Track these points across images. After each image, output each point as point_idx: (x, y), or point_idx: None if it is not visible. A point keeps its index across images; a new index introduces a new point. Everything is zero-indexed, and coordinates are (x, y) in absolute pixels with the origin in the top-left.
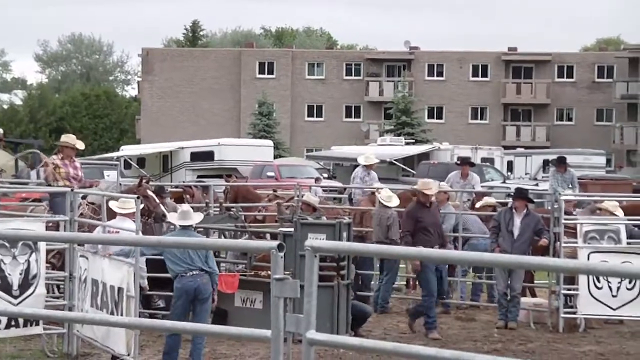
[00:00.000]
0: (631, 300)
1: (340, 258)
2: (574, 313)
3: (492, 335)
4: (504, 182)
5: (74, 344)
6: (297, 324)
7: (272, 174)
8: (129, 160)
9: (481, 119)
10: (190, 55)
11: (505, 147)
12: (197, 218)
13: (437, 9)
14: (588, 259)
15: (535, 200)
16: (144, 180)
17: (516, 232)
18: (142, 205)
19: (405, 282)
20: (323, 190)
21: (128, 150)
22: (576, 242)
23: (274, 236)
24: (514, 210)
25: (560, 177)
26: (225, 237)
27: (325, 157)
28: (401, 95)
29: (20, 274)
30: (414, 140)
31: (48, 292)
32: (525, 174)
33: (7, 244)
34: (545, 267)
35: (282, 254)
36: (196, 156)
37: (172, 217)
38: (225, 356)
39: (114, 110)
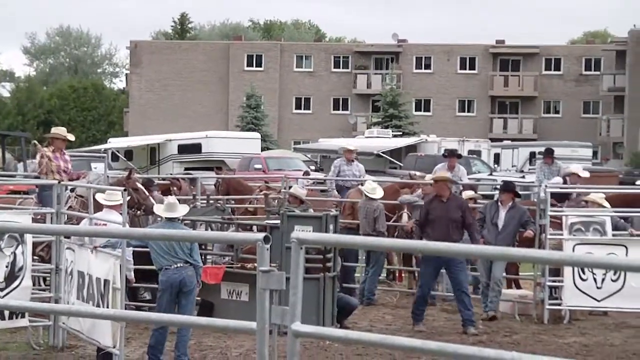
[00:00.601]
0: (616, 292)
1: (326, 250)
2: (559, 305)
3: (477, 327)
4: (490, 174)
5: (59, 336)
6: (282, 316)
7: (259, 166)
8: (117, 153)
9: (468, 111)
10: (179, 48)
11: (493, 140)
12: (182, 210)
13: (425, 2)
14: (573, 250)
15: (521, 192)
16: (132, 173)
17: (500, 225)
18: (129, 198)
19: (386, 275)
20: (312, 183)
21: (116, 142)
22: (562, 234)
23: (260, 228)
24: (499, 204)
25: (547, 169)
26: (212, 230)
27: (312, 149)
28: (389, 87)
29: (7, 266)
30: (401, 133)
31: (34, 285)
32: (512, 166)
33: None
34: (530, 259)
35: (268, 246)
36: (184, 149)
37: (158, 209)
38: (211, 348)
39: (102, 102)
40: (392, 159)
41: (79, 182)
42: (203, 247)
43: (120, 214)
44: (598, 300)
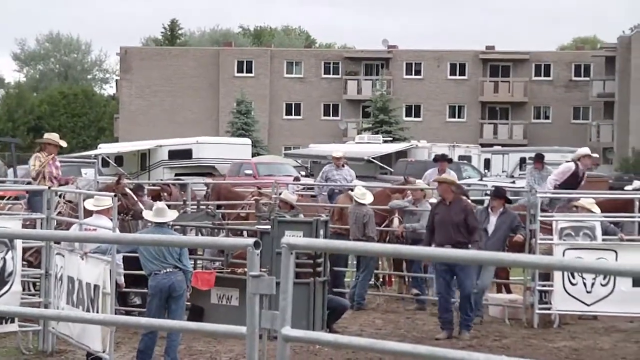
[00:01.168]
0: (605, 296)
1: (316, 255)
2: (549, 309)
3: (469, 334)
4: (481, 179)
5: (49, 341)
6: (272, 320)
7: (250, 171)
8: (107, 159)
9: (459, 117)
10: (169, 54)
11: (483, 145)
12: (171, 215)
13: (415, 8)
14: (563, 255)
15: (511, 197)
16: (121, 179)
17: (490, 230)
18: (119, 203)
19: (375, 279)
20: (303, 188)
21: (106, 148)
22: (552, 239)
23: (251, 234)
24: (489, 210)
25: (538, 175)
26: (202, 235)
27: (303, 155)
28: (379, 93)
29: None
30: (391, 138)
31: (24, 290)
32: (503, 171)
33: None
34: (520, 263)
35: (258, 251)
36: (174, 154)
37: (147, 214)
38: (201, 353)
39: (92, 108)
40: (382, 165)
41: (67, 188)
42: (193, 252)
43: (110, 219)
44: (588, 305)
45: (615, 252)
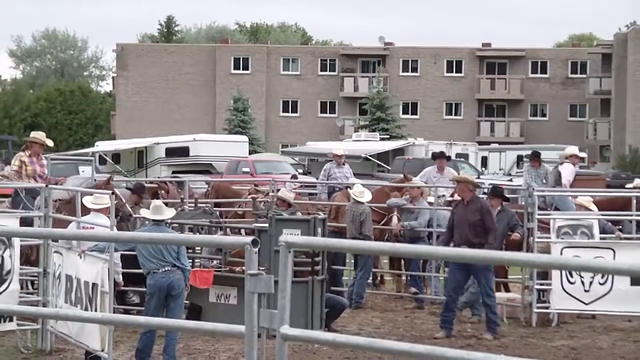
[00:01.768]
0: (603, 295)
1: (314, 254)
2: (547, 308)
3: (465, 330)
4: (478, 177)
5: (47, 340)
6: (270, 319)
7: (247, 169)
8: (104, 156)
9: (455, 114)
10: (165, 51)
11: (480, 143)
12: (169, 213)
13: (412, 5)
14: (561, 254)
15: (509, 195)
16: (111, 179)
17: None
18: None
19: (372, 278)
20: (300, 186)
21: (103, 146)
22: (549, 237)
23: (249, 232)
24: None
25: (535, 173)
26: (200, 233)
27: (300, 152)
28: (376, 90)
29: None
30: (388, 136)
31: (22, 288)
32: (500, 169)
33: None
34: (518, 262)
35: (256, 249)
36: (171, 152)
37: (144, 212)
38: (200, 351)
39: (89, 106)
40: (379, 162)
41: (65, 187)
42: (191, 250)
43: (108, 217)
44: (586, 304)
45: (613, 250)
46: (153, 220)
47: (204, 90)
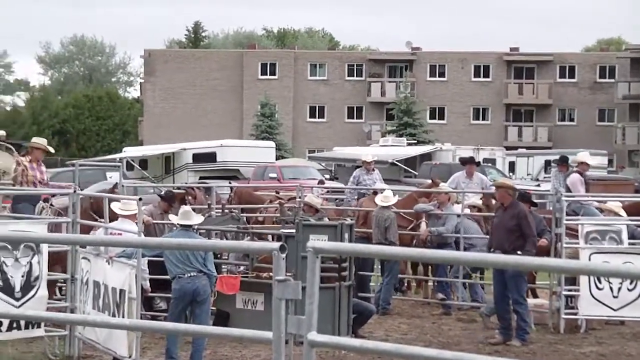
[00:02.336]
0: (632, 301)
1: (341, 259)
2: (575, 314)
3: (493, 336)
4: None
5: (75, 346)
6: (298, 325)
7: (274, 175)
8: (132, 162)
9: (483, 119)
10: (193, 56)
11: (507, 148)
12: (197, 219)
13: (439, 10)
14: (589, 259)
15: (537, 201)
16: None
17: None
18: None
19: (399, 284)
20: (327, 192)
21: (131, 151)
22: (577, 243)
23: (275, 237)
24: None
25: (562, 178)
26: (227, 239)
27: (327, 158)
28: (403, 96)
29: (22, 276)
30: (416, 141)
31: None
32: (527, 174)
33: (9, 246)
34: (546, 267)
35: (284, 255)
36: (198, 157)
37: (173, 218)
38: (227, 358)
39: (117, 111)
40: (406, 168)
41: (92, 192)
42: (218, 256)
43: (136, 223)
44: (614, 310)
45: None
46: (181, 225)
47: (231, 96)
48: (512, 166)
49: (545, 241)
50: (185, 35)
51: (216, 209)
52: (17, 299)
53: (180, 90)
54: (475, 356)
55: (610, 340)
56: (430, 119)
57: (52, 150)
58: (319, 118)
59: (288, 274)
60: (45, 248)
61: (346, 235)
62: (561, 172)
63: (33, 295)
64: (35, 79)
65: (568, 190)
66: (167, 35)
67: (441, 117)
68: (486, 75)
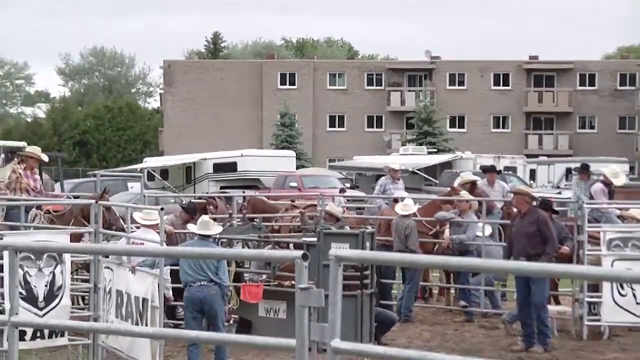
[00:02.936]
0: None
1: (363, 267)
2: (598, 321)
3: (515, 343)
4: None
5: (99, 355)
6: (321, 333)
7: (294, 184)
8: (152, 172)
9: (503, 127)
10: (212, 67)
11: (528, 156)
12: (216, 229)
13: (458, 19)
14: (612, 266)
15: (558, 208)
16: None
17: None
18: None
19: (422, 292)
20: (347, 200)
21: (151, 162)
22: (600, 250)
23: (297, 246)
24: None
25: (584, 185)
26: (248, 248)
27: (347, 167)
28: (423, 104)
29: (46, 285)
30: (436, 150)
31: (73, 304)
32: (548, 182)
33: (32, 256)
34: (569, 274)
35: (306, 263)
36: (219, 167)
37: (192, 227)
38: None
39: (137, 122)
40: (427, 176)
41: (113, 202)
42: (240, 264)
43: (158, 232)
44: (637, 316)
45: None
46: (200, 235)
47: (250, 106)
48: (532, 174)
49: (567, 248)
50: (205, 45)
51: (237, 218)
52: (41, 309)
53: (200, 100)
54: None
55: (634, 346)
56: (450, 127)
57: (46, 159)
58: (338, 127)
59: (310, 282)
60: (68, 258)
61: (367, 244)
62: (582, 180)
63: (56, 305)
64: (56, 91)
65: (591, 198)
66: (187, 46)
67: (461, 126)
68: (506, 83)
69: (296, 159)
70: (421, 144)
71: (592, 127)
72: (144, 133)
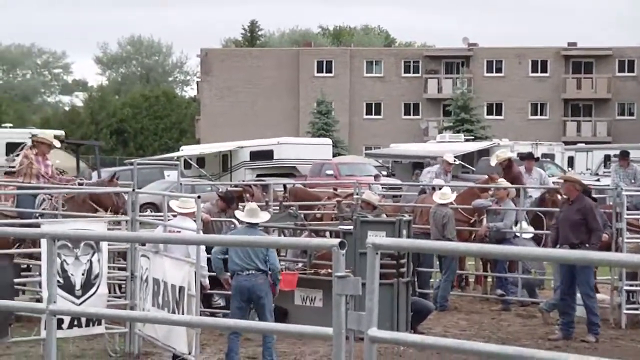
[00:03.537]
0: None
1: (399, 255)
2: (637, 309)
3: (553, 332)
4: None
5: (135, 343)
6: (358, 321)
7: (331, 172)
8: (189, 160)
9: (541, 114)
10: (249, 55)
11: (566, 143)
12: (264, 217)
13: (495, 5)
14: None
15: (596, 196)
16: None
17: None
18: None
19: (458, 281)
20: (382, 188)
21: (188, 150)
22: (639, 238)
23: (333, 234)
24: None
25: (623, 172)
26: (285, 236)
27: (384, 154)
28: (460, 92)
29: (83, 274)
30: (473, 137)
31: (110, 292)
32: (587, 169)
33: (69, 245)
34: (607, 262)
35: (343, 251)
36: (255, 155)
37: (239, 214)
38: (286, 354)
39: (174, 110)
40: (464, 164)
41: (151, 190)
42: (277, 253)
43: (194, 220)
44: None
45: None
46: (247, 222)
47: (287, 94)
48: (570, 161)
49: (606, 236)
50: (242, 34)
51: (273, 206)
52: (78, 297)
53: (237, 88)
54: (536, 351)
55: None
56: (487, 114)
57: (58, 144)
58: (375, 115)
59: (346, 270)
60: (105, 246)
61: (404, 232)
62: (622, 167)
63: (93, 293)
64: (93, 79)
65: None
66: (224, 35)
67: (498, 113)
68: (544, 70)
69: (332, 146)
70: (458, 132)
71: (631, 114)
72: (180, 121)
